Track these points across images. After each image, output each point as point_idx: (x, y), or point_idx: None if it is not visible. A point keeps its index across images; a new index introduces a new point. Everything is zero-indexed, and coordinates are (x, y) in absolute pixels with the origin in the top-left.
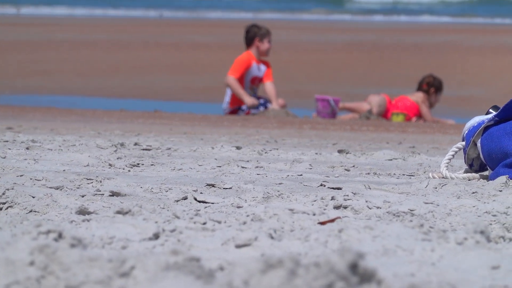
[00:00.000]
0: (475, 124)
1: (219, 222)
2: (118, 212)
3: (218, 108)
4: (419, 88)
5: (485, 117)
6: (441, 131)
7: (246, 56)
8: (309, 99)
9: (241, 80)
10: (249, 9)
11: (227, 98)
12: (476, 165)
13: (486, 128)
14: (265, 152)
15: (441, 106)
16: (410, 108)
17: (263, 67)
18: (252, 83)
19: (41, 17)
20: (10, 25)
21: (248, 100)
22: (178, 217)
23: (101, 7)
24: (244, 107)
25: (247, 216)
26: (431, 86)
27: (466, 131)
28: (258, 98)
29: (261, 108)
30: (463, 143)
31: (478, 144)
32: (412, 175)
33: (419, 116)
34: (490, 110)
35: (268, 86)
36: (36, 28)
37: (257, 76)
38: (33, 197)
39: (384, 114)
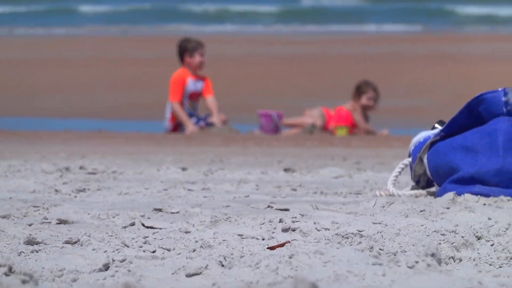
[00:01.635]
0: (421, 140)
1: (169, 250)
2: (67, 242)
3: (161, 125)
4: (352, 96)
5: (431, 132)
6: (386, 145)
7: (180, 74)
8: (252, 113)
9: (182, 99)
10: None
11: (168, 114)
12: (423, 181)
13: (432, 143)
14: (211, 173)
15: (385, 116)
16: (346, 118)
17: (200, 82)
18: (191, 99)
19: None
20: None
21: (189, 128)
22: (127, 246)
23: (40, 25)
24: None
25: (196, 242)
26: (357, 90)
27: (412, 147)
28: (198, 115)
29: (201, 123)
30: (410, 159)
31: (425, 160)
32: (359, 193)
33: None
34: (436, 125)
35: (210, 101)
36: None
37: (194, 91)
38: None
39: (325, 126)
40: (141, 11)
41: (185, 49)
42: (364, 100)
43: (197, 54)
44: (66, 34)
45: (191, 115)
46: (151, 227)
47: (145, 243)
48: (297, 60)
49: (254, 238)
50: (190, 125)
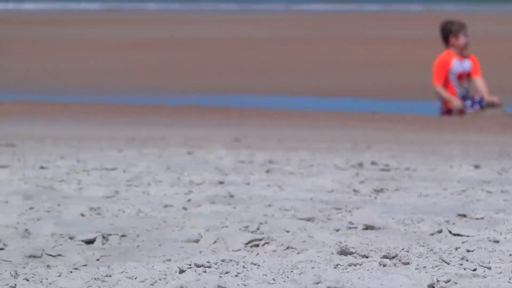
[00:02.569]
0: None
1: (489, 268)
2: (385, 257)
3: (432, 106)
4: None
5: None
6: None
7: (444, 57)
8: None
9: (446, 82)
10: None
11: (439, 98)
12: None
13: None
14: (505, 172)
15: None
16: None
17: (467, 62)
18: (460, 79)
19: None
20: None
21: (455, 104)
22: (447, 263)
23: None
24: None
25: (510, 255)
26: None
27: None
28: (473, 96)
29: (476, 106)
30: None
31: None
32: None
33: None
34: None
35: (478, 83)
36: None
37: (462, 72)
38: (288, 232)
39: None
40: None
41: (450, 31)
42: None
43: (462, 35)
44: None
45: (464, 97)
46: (459, 235)
47: (462, 258)
48: None
49: None
50: (455, 101)
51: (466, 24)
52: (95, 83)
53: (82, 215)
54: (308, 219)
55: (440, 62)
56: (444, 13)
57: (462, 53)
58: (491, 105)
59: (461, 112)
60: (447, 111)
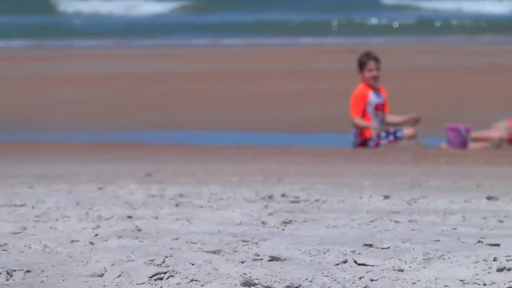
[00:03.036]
0: None
1: None
2: (288, 287)
3: (346, 139)
4: None
5: None
6: None
7: (361, 89)
8: (434, 126)
9: (364, 113)
10: None
11: (354, 130)
12: None
13: None
14: (415, 202)
15: None
16: None
17: (380, 94)
18: (376, 110)
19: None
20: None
21: (374, 127)
22: None
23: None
24: (373, 137)
25: (414, 284)
26: None
27: None
28: (387, 130)
29: (391, 137)
30: None
31: None
32: None
33: None
34: None
35: (390, 116)
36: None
37: (378, 103)
38: (193, 264)
39: (510, 139)
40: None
41: (362, 63)
42: None
43: (366, 69)
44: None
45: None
46: (364, 264)
47: (365, 287)
48: (479, 71)
49: (475, 283)
50: (374, 125)
51: (377, 57)
52: (7, 120)
53: None
54: (214, 252)
55: (358, 94)
56: (361, 46)
57: (375, 85)
58: (408, 137)
59: (376, 143)
60: (362, 142)
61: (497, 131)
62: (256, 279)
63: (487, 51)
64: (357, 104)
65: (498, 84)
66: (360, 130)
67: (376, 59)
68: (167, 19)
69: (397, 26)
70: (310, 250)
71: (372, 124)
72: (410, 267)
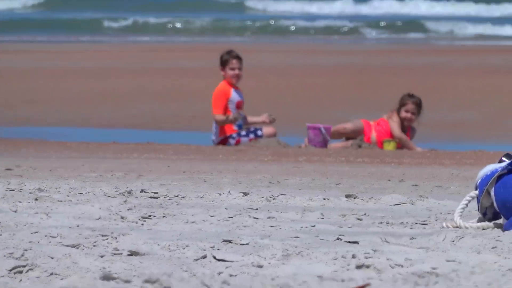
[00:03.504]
0: (488, 173)
1: None
2: (147, 281)
3: (206, 136)
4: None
5: (498, 166)
6: (436, 162)
7: (222, 87)
8: (296, 125)
9: (226, 111)
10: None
11: (215, 128)
12: (489, 214)
13: (500, 176)
14: (273, 199)
15: (432, 131)
16: (386, 129)
17: (240, 92)
18: (238, 108)
19: (22, 43)
20: None
21: (235, 116)
22: (207, 286)
23: (81, 33)
24: (234, 134)
25: (272, 279)
26: (399, 102)
27: (479, 180)
28: (247, 127)
29: (251, 135)
30: (477, 192)
31: (492, 193)
32: (425, 223)
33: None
34: (503, 159)
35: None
36: (19, 55)
37: (240, 100)
38: (52, 258)
39: (365, 137)
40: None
41: (223, 61)
42: (403, 112)
43: (227, 68)
44: (108, 42)
45: (240, 126)
46: (223, 260)
47: (224, 282)
48: (342, 71)
49: (333, 280)
50: (234, 114)
51: (240, 55)
52: None
53: None
54: (74, 246)
55: (220, 92)
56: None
57: (236, 84)
58: (268, 135)
59: (237, 141)
60: (222, 140)
61: (350, 123)
62: (115, 273)
63: (338, 51)
64: (219, 101)
65: (349, 84)
66: (221, 128)
67: (239, 58)
68: (17, 16)
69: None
70: (169, 245)
71: (231, 115)
72: (269, 263)
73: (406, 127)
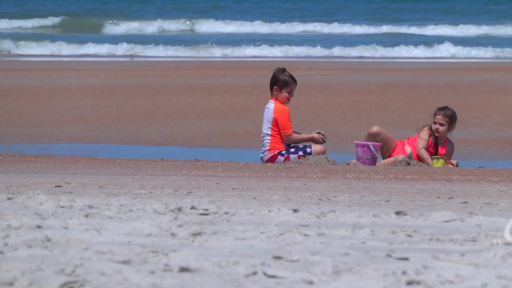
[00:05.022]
0: None
1: None
2: None
3: (255, 153)
4: None
5: None
6: (485, 179)
7: (285, 108)
8: (344, 142)
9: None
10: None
11: (266, 145)
12: None
13: None
14: (323, 216)
15: (480, 147)
16: (414, 144)
17: None
18: None
19: (64, 62)
20: (43, 70)
21: (315, 137)
22: None
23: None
24: (283, 151)
25: None
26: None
27: None
28: (296, 145)
29: (300, 152)
30: None
31: None
32: (475, 241)
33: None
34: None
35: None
36: (63, 73)
37: None
38: (103, 274)
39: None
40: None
41: (276, 82)
42: (433, 125)
43: (285, 90)
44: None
45: (288, 144)
46: (274, 276)
47: None
48: (388, 89)
49: None
50: (309, 136)
51: (292, 81)
52: None
53: None
54: (124, 262)
55: (287, 112)
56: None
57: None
58: (317, 153)
59: (286, 157)
60: (271, 158)
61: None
62: None
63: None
64: (288, 121)
65: (397, 101)
66: (271, 145)
67: (296, 83)
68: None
69: None
70: (220, 262)
71: (313, 134)
72: (319, 279)
73: (441, 140)
